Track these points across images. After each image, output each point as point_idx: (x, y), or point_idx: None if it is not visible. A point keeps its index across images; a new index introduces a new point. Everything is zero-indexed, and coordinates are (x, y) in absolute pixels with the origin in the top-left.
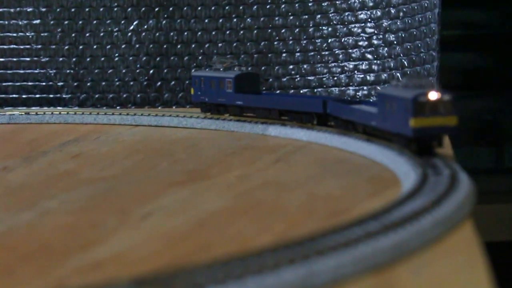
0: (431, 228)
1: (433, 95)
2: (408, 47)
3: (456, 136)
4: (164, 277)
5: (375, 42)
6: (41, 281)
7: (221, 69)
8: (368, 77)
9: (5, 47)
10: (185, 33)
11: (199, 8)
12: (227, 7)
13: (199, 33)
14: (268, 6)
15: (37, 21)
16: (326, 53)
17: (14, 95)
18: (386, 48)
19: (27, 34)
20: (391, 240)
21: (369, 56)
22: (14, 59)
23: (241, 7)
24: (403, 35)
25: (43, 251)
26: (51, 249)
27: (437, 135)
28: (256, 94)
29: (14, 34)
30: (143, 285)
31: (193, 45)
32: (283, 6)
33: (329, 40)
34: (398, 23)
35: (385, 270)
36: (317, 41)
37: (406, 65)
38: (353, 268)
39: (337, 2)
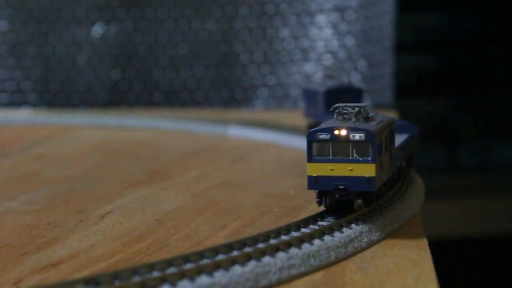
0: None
1: (342, 131)
2: (365, 49)
3: (370, 199)
4: (118, 275)
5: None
6: None
7: (327, 80)
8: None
9: None
10: (149, 34)
11: (162, 10)
12: (186, 9)
13: (162, 34)
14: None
15: (4, 23)
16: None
17: None
18: (343, 51)
19: None
20: (339, 238)
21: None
22: None
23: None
24: (360, 38)
25: (1, 250)
26: (8, 249)
27: (346, 191)
28: None
29: None
30: (96, 284)
31: (156, 46)
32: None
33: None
34: (356, 26)
35: (335, 266)
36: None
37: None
38: (304, 264)
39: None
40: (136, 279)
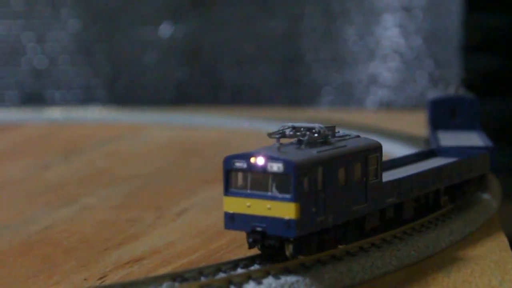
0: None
1: (258, 159)
2: (432, 49)
3: (297, 248)
4: (203, 272)
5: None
6: (83, 274)
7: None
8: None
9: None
10: (215, 34)
11: (228, 9)
12: (252, 8)
13: (228, 33)
14: None
15: (75, 22)
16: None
17: (51, 94)
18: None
19: (64, 37)
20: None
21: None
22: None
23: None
24: (427, 38)
25: (84, 245)
26: (91, 244)
27: (264, 235)
28: (462, 131)
29: (53, 40)
30: (182, 280)
31: (222, 45)
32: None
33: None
34: (423, 26)
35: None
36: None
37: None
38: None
39: None
40: (221, 275)
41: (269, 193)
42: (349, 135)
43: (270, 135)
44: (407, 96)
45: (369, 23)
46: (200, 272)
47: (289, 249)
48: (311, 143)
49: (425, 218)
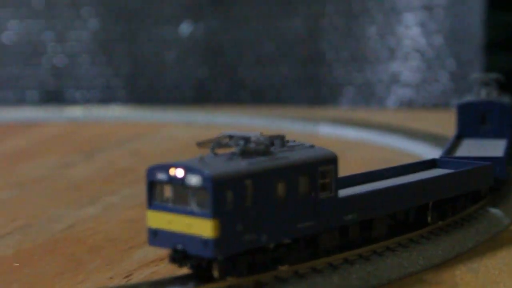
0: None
1: (177, 171)
2: (454, 48)
3: (224, 269)
4: None
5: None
6: (108, 273)
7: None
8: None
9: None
10: (236, 32)
11: (248, 8)
12: (272, 7)
13: (248, 32)
14: None
15: (96, 22)
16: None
17: (71, 93)
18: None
19: (84, 36)
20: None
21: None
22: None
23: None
24: (448, 37)
25: (108, 244)
26: (115, 242)
27: (184, 254)
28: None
29: (73, 39)
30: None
31: (243, 44)
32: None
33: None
34: (444, 25)
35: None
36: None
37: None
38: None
39: None
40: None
41: (189, 208)
42: (304, 145)
43: (200, 144)
44: (428, 95)
45: (390, 22)
46: None
47: (215, 270)
48: (247, 154)
49: (451, 218)
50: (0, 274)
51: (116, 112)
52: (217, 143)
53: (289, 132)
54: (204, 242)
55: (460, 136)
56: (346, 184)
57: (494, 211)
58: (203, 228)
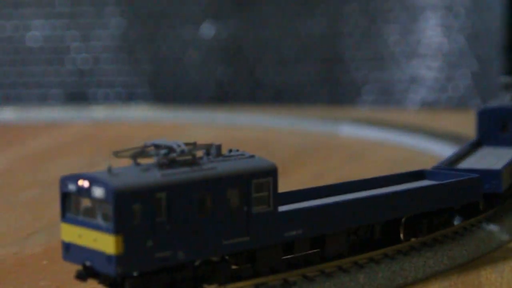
0: None
1: (84, 182)
2: (475, 47)
3: (137, 286)
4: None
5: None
6: None
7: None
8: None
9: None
10: (256, 33)
11: (268, 8)
12: (292, 7)
13: (269, 32)
14: None
15: (117, 21)
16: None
17: (94, 93)
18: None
19: (107, 36)
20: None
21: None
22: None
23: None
24: (470, 36)
25: None
26: None
27: (93, 270)
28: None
29: (97, 39)
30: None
31: (263, 44)
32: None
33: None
34: (466, 24)
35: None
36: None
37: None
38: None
39: None
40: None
41: (95, 222)
42: (243, 155)
43: (116, 154)
44: (449, 96)
45: (410, 21)
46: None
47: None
48: (167, 165)
49: (475, 218)
50: (29, 272)
51: (138, 112)
52: (137, 153)
53: (309, 133)
54: (108, 258)
55: (478, 144)
56: (310, 197)
57: None
58: (107, 243)
